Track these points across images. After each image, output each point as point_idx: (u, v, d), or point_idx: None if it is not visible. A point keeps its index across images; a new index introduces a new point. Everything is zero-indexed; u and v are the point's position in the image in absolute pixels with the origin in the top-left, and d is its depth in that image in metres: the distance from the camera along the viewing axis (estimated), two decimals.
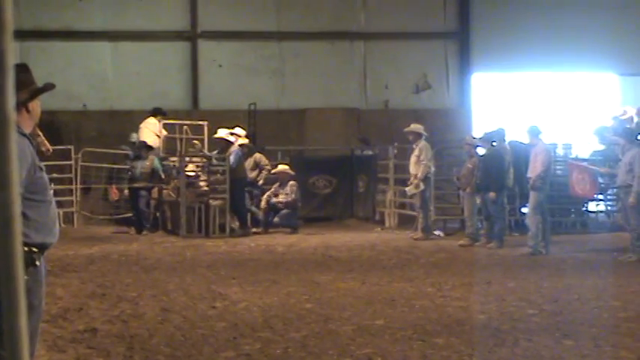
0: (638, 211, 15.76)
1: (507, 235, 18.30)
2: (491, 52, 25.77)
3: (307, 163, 23.20)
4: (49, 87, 5.78)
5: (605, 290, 12.19)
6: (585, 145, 22.98)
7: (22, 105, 5.55)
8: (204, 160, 20.93)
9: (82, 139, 23.67)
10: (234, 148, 20.24)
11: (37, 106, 5.73)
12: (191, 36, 25.20)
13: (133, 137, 22.50)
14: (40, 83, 5.79)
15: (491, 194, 17.41)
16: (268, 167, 21.39)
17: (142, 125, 22.54)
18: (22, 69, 5.67)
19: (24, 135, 5.45)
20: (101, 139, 23.68)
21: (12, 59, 1.86)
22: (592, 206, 22.23)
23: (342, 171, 23.20)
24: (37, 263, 5.49)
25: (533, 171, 16.55)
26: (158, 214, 21.19)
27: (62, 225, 17.90)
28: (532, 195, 16.64)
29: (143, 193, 20.64)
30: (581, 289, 12.19)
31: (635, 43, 25.76)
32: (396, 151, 21.78)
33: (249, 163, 20.99)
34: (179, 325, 9.69)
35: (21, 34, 22.70)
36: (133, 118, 23.36)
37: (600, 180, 19.33)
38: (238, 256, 16.24)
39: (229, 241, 18.70)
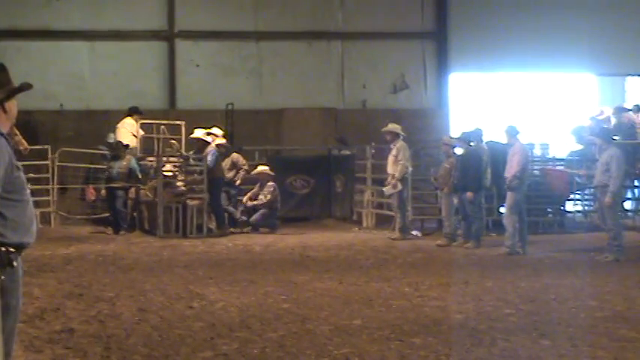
0: (615, 211, 15.85)
1: (485, 235, 18.31)
2: (468, 52, 25.78)
3: (285, 163, 23.13)
4: (26, 87, 5.74)
5: (582, 290, 12.24)
6: (563, 145, 23.07)
7: None
8: (182, 160, 20.89)
9: (58, 138, 23.56)
10: (211, 148, 20.20)
11: (13, 105, 5.71)
12: (168, 36, 25.13)
13: (111, 137, 22.41)
14: (16, 83, 5.76)
15: (469, 194, 17.43)
16: (246, 167, 21.36)
17: (118, 125, 22.45)
18: None
19: (1, 134, 5.43)
20: (78, 139, 23.58)
21: None
22: (569, 206, 22.31)
23: (319, 171, 23.14)
24: (15, 263, 5.46)
25: (510, 171, 16.58)
26: (135, 214, 21.09)
27: (39, 225, 17.80)
28: (509, 195, 16.67)
29: (120, 193, 20.55)
30: (559, 289, 12.24)
31: (613, 44, 25.82)
32: (373, 151, 21.78)
33: (226, 163, 20.94)
34: (156, 325, 9.67)
35: None
36: (110, 118, 23.27)
37: (577, 179, 19.44)
38: (216, 256, 16.20)
39: (207, 241, 18.65)
